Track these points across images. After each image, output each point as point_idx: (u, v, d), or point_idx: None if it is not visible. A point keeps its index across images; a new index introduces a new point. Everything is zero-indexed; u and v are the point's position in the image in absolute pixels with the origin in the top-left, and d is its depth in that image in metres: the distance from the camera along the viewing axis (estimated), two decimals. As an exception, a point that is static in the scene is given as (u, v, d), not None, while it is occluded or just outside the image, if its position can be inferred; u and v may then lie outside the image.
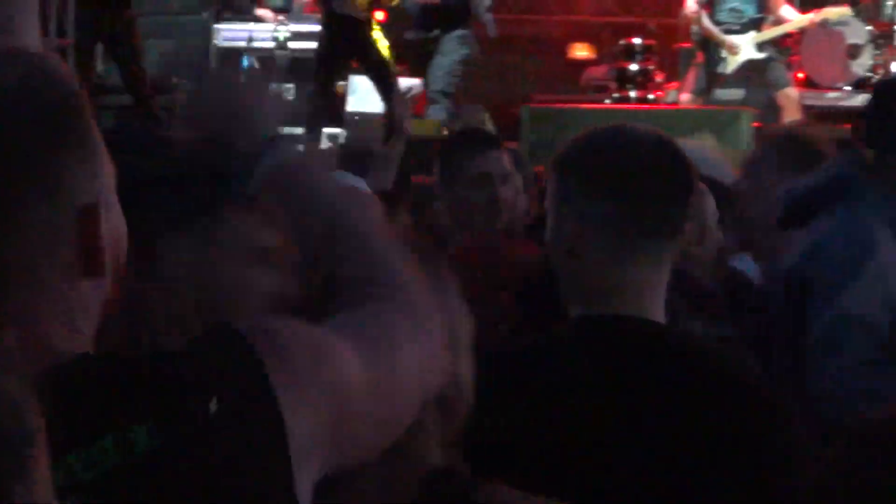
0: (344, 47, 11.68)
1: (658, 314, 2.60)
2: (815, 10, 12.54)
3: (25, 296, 1.71)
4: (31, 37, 4.88)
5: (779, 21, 12.21)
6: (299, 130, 11.56)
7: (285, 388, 1.67)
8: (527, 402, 2.56)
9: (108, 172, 1.81)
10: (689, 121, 10.28)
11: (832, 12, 12.54)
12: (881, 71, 12.95)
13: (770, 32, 12.10)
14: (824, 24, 12.48)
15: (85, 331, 1.71)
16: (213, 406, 1.62)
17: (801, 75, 12.74)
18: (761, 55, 11.96)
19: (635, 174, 2.67)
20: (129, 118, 10.47)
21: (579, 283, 2.64)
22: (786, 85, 12.01)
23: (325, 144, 11.10)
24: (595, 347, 2.63)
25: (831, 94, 13.00)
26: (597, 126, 2.81)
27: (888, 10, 13.35)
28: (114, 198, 1.81)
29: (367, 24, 11.75)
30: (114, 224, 1.79)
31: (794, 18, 12.29)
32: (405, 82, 12.32)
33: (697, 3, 12.20)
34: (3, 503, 1.31)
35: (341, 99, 12.51)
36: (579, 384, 2.59)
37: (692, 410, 2.53)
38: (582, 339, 2.67)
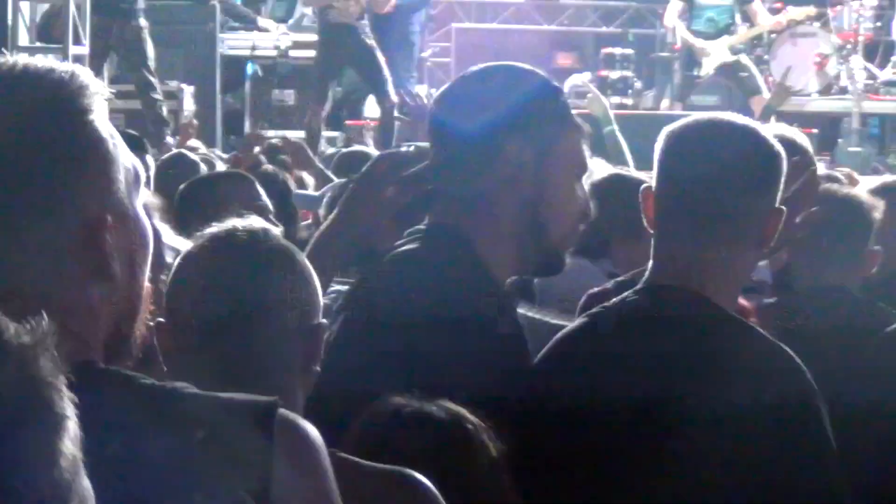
0: (340, 54, 11.67)
1: (718, 298, 2.56)
2: (783, 11, 12.68)
3: (31, 305, 1.55)
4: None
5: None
6: (301, 134, 11.53)
7: (286, 458, 1.64)
8: (562, 364, 2.62)
9: (123, 181, 1.77)
10: (667, 125, 10.44)
11: (797, 12, 12.65)
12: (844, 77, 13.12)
13: (741, 35, 12.27)
14: (791, 24, 12.65)
15: (91, 336, 1.69)
16: (199, 434, 1.61)
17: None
18: (734, 58, 12.10)
19: (688, 160, 2.66)
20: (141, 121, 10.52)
21: (651, 254, 2.66)
22: (759, 91, 12.13)
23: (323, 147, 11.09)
24: (635, 314, 2.63)
25: (800, 100, 13.11)
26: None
27: (852, 21, 13.50)
28: (133, 207, 1.78)
29: (361, 32, 11.72)
30: (130, 231, 1.76)
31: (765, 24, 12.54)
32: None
33: (675, 13, 12.33)
34: (28, 484, 1.29)
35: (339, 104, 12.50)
36: (603, 349, 2.64)
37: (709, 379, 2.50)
38: (627, 306, 2.67)
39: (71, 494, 1.30)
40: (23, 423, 1.29)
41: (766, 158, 2.67)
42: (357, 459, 2.20)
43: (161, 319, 2.33)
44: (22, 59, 1.74)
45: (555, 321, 3.03)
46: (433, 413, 2.43)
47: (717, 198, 2.65)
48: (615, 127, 7.75)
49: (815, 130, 11.68)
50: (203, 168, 6.89)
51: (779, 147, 2.68)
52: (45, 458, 1.30)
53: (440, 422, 2.43)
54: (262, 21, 14.28)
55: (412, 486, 2.24)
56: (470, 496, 2.35)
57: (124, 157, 1.76)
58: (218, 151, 10.17)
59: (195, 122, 11.25)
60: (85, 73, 1.73)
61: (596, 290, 3.39)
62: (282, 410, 1.69)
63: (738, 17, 12.67)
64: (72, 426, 1.32)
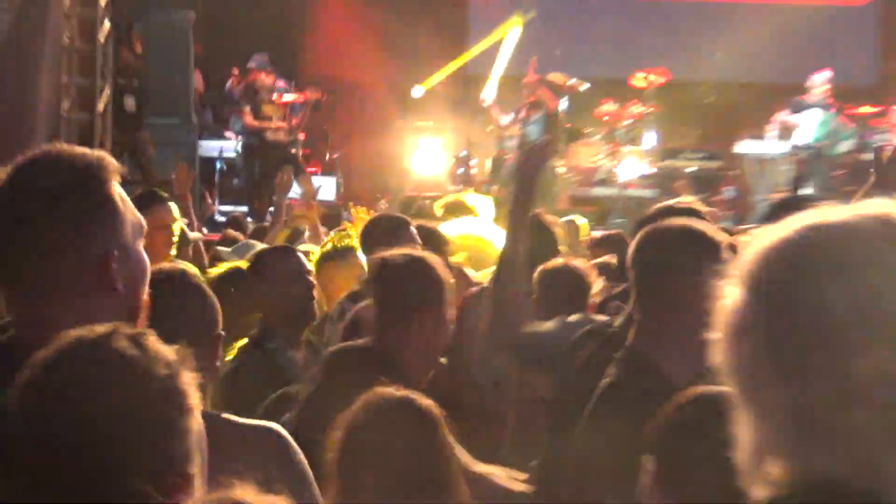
0: (276, 160, 12.92)
1: (664, 356, 2.60)
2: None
3: (59, 306, 1.80)
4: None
5: None
6: (244, 208, 12.81)
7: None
8: None
9: (128, 229, 1.86)
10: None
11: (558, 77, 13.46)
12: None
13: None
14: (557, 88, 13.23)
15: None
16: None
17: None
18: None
19: (632, 250, 2.76)
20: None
21: None
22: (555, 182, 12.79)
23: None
24: None
25: (585, 189, 14.08)
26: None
27: (621, 133, 14.46)
28: (135, 246, 1.87)
29: (289, 144, 13.36)
30: (132, 262, 1.87)
31: None
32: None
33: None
34: (172, 448, 1.47)
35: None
36: None
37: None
38: None
39: (195, 457, 1.50)
40: (171, 410, 1.50)
41: (668, 243, 2.67)
42: (235, 418, 2.14)
43: None
44: (67, 146, 1.90)
45: None
46: (413, 400, 2.42)
47: (636, 276, 2.72)
48: None
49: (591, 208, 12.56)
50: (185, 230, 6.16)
51: (695, 236, 2.66)
52: (184, 432, 1.50)
53: (417, 407, 2.42)
54: (227, 133, 15.08)
55: (276, 435, 2.20)
56: (434, 460, 2.37)
57: (131, 213, 1.86)
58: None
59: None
60: (107, 157, 1.88)
61: None
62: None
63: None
64: (198, 413, 1.49)
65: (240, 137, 14.40)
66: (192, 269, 2.74)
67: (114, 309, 1.78)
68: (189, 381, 1.51)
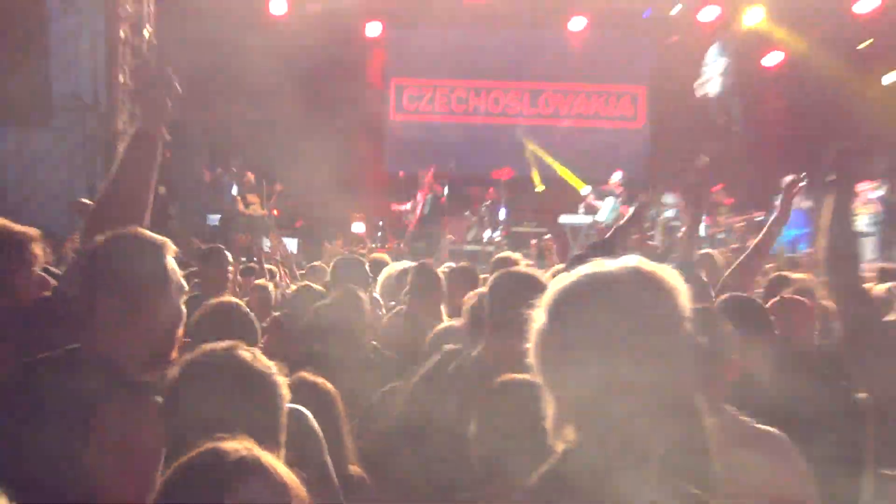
0: (255, 228, 14.13)
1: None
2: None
3: (115, 333, 1.97)
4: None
5: None
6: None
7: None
8: None
9: (172, 288, 2.01)
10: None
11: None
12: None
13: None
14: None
15: (128, 353, 1.83)
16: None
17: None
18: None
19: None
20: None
21: None
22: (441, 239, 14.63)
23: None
24: None
25: (460, 245, 15.23)
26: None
27: (483, 209, 15.79)
28: (175, 300, 2.05)
29: (266, 218, 14.95)
30: (171, 310, 2.07)
31: None
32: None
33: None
34: (267, 422, 1.59)
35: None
36: None
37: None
38: None
39: (284, 430, 1.60)
40: (270, 398, 1.71)
41: (514, 284, 2.90)
42: None
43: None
44: (142, 230, 2.15)
45: None
46: (320, 384, 2.54)
47: (490, 306, 2.93)
48: None
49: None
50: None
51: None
52: (280, 412, 1.67)
53: (323, 388, 2.55)
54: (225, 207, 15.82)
55: (302, 415, 2.42)
56: (329, 422, 2.51)
57: (176, 277, 2.13)
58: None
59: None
60: (167, 241, 2.09)
61: None
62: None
63: None
64: (286, 403, 1.66)
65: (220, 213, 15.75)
66: (241, 302, 2.75)
67: (154, 340, 1.95)
68: (282, 381, 1.66)
